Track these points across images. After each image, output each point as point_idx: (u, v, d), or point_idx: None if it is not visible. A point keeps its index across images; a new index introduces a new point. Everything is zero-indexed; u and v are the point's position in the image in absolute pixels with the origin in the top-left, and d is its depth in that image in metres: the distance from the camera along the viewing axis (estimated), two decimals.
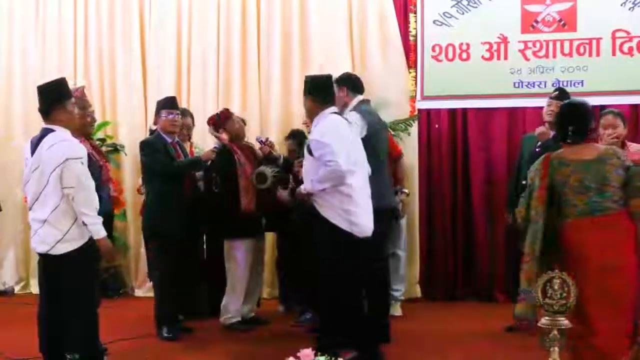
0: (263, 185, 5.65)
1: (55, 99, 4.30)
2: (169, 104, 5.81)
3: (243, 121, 6.17)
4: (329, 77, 4.93)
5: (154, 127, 5.92)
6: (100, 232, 4.24)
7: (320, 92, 4.76)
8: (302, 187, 4.76)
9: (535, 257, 3.88)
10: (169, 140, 5.67)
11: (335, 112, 4.77)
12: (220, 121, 5.89)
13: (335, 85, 5.06)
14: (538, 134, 5.53)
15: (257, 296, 6.18)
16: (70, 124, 4.36)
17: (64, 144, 4.21)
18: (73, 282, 4.23)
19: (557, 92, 5.70)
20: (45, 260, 4.27)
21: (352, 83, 5.32)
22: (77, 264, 4.22)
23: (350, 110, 5.16)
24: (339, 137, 4.58)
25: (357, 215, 4.54)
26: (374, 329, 4.95)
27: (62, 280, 4.23)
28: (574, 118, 4.03)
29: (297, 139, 6.30)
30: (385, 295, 5.43)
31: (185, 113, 6.35)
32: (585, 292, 3.54)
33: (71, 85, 6.42)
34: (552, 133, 5.32)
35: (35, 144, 4.27)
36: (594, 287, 3.71)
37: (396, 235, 6.40)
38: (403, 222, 6.44)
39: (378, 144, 5.13)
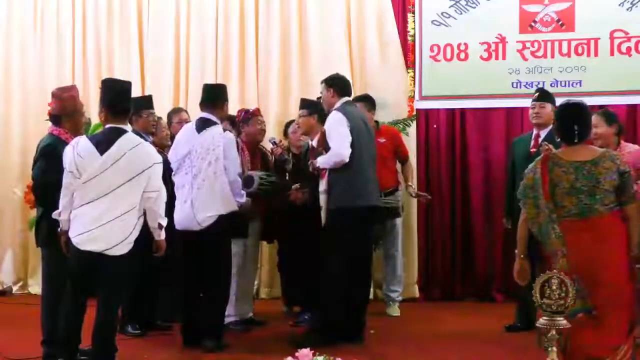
0: (248, 188, 5.40)
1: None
2: (149, 103, 5.74)
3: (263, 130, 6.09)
4: (207, 85, 5.54)
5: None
6: (163, 234, 4.42)
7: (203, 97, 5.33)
8: None
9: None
10: (149, 140, 5.63)
11: (202, 117, 5.22)
12: (247, 116, 5.86)
13: (323, 85, 5.41)
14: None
15: (252, 296, 6.16)
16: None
17: (146, 146, 4.29)
18: (122, 282, 4.25)
19: (538, 94, 5.68)
20: (97, 258, 4.12)
21: (340, 85, 5.43)
22: (131, 266, 4.24)
23: (334, 110, 5.29)
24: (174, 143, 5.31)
25: (175, 209, 5.13)
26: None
27: (114, 279, 4.19)
28: (579, 118, 3.92)
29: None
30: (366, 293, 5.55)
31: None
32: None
33: (66, 83, 6.49)
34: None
35: (106, 143, 4.16)
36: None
37: (394, 236, 6.42)
38: (399, 222, 6.44)
39: (360, 144, 5.22)
